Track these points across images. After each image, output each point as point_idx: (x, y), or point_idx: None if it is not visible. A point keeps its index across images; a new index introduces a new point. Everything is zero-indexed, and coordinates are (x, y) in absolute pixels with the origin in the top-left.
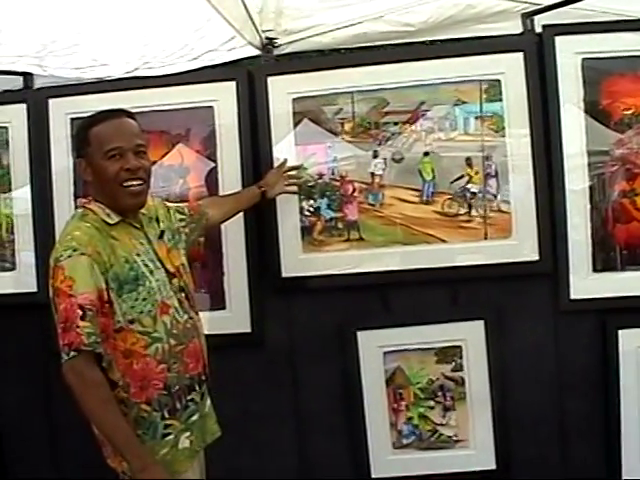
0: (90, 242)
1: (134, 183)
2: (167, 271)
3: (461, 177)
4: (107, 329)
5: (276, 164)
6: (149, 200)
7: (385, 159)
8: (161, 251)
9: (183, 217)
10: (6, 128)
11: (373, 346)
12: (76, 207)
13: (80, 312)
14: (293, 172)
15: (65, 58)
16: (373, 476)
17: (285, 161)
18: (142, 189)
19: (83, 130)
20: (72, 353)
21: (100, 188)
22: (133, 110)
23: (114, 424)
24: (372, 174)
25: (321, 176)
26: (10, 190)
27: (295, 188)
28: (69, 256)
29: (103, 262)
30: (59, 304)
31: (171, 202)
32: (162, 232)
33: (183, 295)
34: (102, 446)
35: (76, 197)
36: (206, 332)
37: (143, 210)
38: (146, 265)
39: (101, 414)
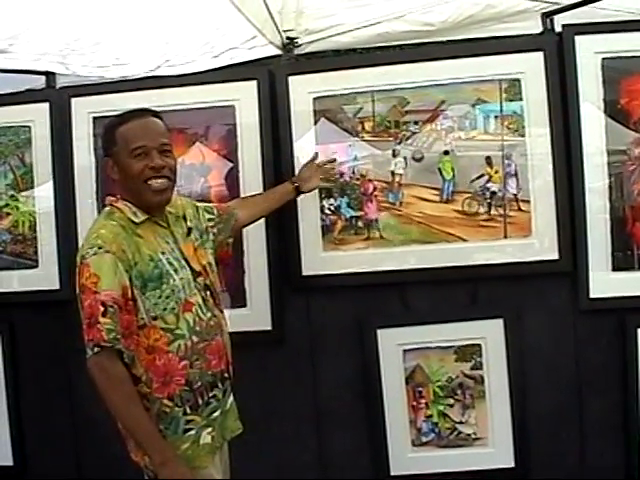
0: (115, 240)
1: (158, 181)
2: (192, 270)
3: (481, 176)
4: (131, 326)
5: (296, 163)
6: (177, 199)
7: (405, 158)
8: (187, 250)
9: (212, 217)
10: (29, 127)
11: (393, 344)
12: (104, 205)
13: (102, 308)
14: (328, 166)
15: (88, 56)
16: (392, 473)
17: (316, 155)
18: (166, 186)
19: (110, 130)
20: (96, 349)
21: (126, 186)
22: (154, 109)
23: (136, 419)
24: (392, 173)
25: (342, 175)
26: (33, 188)
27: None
28: (94, 254)
29: (127, 260)
30: (84, 300)
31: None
32: (189, 230)
33: (208, 293)
34: (126, 440)
35: (98, 195)
36: None
37: (170, 209)
38: (170, 263)
39: (124, 409)
